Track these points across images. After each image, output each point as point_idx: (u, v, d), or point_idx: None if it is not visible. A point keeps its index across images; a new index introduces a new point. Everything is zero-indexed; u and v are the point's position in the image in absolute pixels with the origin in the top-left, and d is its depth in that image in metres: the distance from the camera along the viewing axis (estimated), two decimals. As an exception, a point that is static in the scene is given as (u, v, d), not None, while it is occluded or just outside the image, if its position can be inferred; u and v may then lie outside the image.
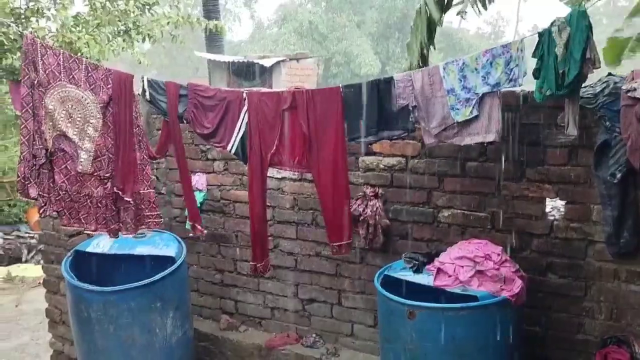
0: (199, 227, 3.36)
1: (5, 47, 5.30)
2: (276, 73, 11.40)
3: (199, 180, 3.98)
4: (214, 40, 11.19)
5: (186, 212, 3.52)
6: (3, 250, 7.35)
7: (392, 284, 2.92)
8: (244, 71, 11.75)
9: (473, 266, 2.73)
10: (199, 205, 3.92)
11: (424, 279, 2.84)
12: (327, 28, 27.32)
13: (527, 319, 2.98)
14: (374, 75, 26.60)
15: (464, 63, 2.59)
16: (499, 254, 2.79)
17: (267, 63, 11.28)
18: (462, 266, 2.74)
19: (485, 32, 35.13)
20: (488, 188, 3.09)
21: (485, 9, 3.25)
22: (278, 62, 11.41)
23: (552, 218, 2.97)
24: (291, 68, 11.68)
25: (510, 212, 3.05)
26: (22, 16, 5.35)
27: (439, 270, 2.79)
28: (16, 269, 6.87)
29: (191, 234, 3.55)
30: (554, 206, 2.97)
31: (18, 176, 2.97)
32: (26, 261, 7.28)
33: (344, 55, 26.40)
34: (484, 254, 2.76)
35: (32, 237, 7.60)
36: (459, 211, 3.18)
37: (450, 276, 2.74)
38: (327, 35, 27.17)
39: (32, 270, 6.72)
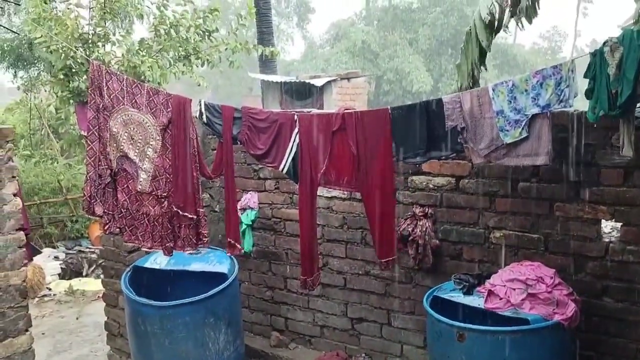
0: (238, 246, 3.43)
1: (73, 70, 5.62)
2: (327, 92, 11.53)
3: (250, 198, 4.08)
4: (267, 61, 11.47)
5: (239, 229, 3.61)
6: (65, 264, 7.67)
7: (441, 305, 2.91)
8: (296, 91, 11.95)
9: (525, 289, 2.69)
10: (250, 222, 4.04)
11: (475, 300, 2.81)
12: (379, 46, 27.43)
13: (582, 344, 2.89)
14: (426, 92, 26.45)
15: (513, 84, 2.58)
16: (551, 277, 2.73)
17: (318, 83, 11.43)
18: (514, 289, 2.70)
19: (542, 47, 34.39)
20: (541, 209, 3.04)
21: (530, 23, 3.21)
22: (329, 82, 11.55)
23: (607, 240, 2.89)
24: (342, 87, 11.79)
25: (564, 234, 2.99)
26: (90, 41, 5.67)
27: (490, 293, 2.76)
28: (77, 283, 7.14)
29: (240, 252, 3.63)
30: (611, 228, 2.89)
31: (84, 195, 3.15)
32: (87, 275, 7.56)
33: (396, 72, 26.39)
34: (536, 276, 2.72)
35: (93, 252, 7.90)
36: (511, 232, 3.14)
37: (501, 299, 2.71)
38: (379, 53, 27.27)
39: (92, 284, 6.98)
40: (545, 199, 3.02)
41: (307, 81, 11.76)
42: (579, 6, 36.57)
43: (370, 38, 27.46)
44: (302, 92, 11.83)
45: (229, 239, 3.38)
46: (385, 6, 32.79)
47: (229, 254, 3.55)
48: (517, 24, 3.10)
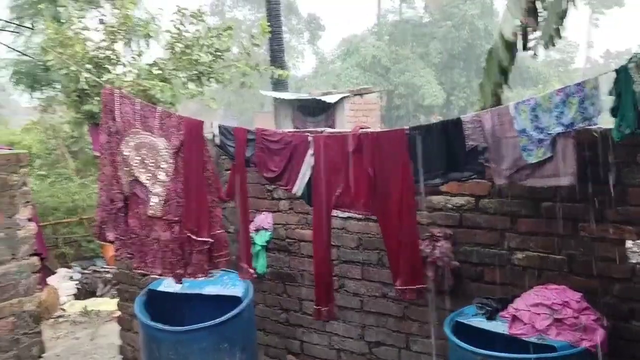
0: (249, 270, 3.36)
1: (86, 91, 5.65)
2: (339, 109, 11.51)
3: (265, 219, 4.02)
4: (278, 79, 11.49)
5: (252, 250, 3.55)
6: (80, 284, 7.67)
7: (463, 329, 2.81)
8: (308, 108, 11.95)
9: (550, 314, 2.59)
10: (264, 243, 3.98)
11: (498, 326, 2.71)
12: (390, 60, 27.49)
13: (610, 369, 2.78)
14: (439, 106, 26.42)
15: (536, 102, 2.51)
16: (578, 301, 2.63)
17: (330, 99, 11.42)
18: (539, 314, 2.61)
19: (554, 59, 34.24)
20: (565, 229, 2.94)
21: (554, 45, 3.17)
22: (341, 98, 11.53)
23: (634, 261, 2.78)
24: (354, 103, 11.76)
25: (589, 255, 2.88)
26: (100, 64, 5.70)
27: (514, 318, 2.66)
28: (92, 303, 7.13)
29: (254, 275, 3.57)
30: (638, 248, 2.79)
31: (96, 221, 3.11)
32: (102, 295, 7.55)
33: (407, 86, 26.41)
34: (562, 300, 2.62)
35: (108, 272, 7.89)
36: (534, 253, 3.04)
37: (526, 324, 2.61)
38: (390, 68, 27.33)
39: (107, 305, 6.96)
40: (569, 219, 2.93)
41: (319, 98, 11.76)
42: (590, 17, 36.45)
43: (381, 53, 27.55)
44: (314, 108, 11.83)
45: (240, 263, 3.33)
46: (396, 21, 32.95)
47: (241, 278, 3.49)
48: (546, 49, 3.05)
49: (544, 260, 3.01)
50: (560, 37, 3.12)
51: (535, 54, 3.18)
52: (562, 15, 3.26)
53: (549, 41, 3.10)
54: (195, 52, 5.74)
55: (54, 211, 9.30)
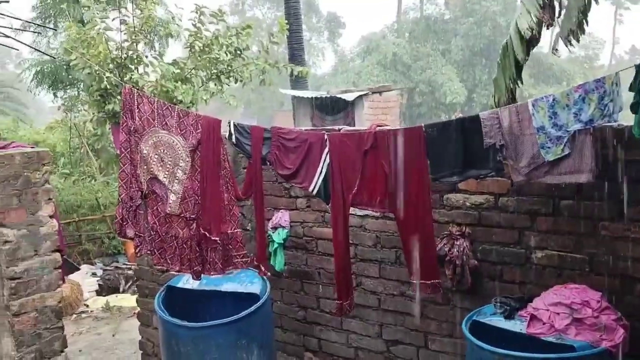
0: (263, 269, 3.39)
1: (108, 91, 5.73)
2: (358, 107, 11.48)
3: (282, 217, 4.04)
4: (298, 77, 11.50)
5: (270, 248, 3.57)
6: (103, 280, 7.79)
7: (481, 329, 2.79)
8: (327, 106, 11.95)
9: (570, 313, 2.55)
10: (282, 241, 3.99)
11: (516, 325, 2.68)
12: (411, 58, 27.32)
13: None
14: (460, 103, 26.16)
15: (554, 99, 2.47)
16: (598, 301, 2.59)
17: (349, 97, 11.40)
18: (558, 313, 2.57)
19: (579, 56, 33.66)
20: (585, 228, 2.90)
21: (578, 41, 3.11)
22: (360, 96, 11.50)
23: (657, 261, 2.73)
24: (373, 101, 11.72)
25: (610, 254, 2.84)
26: (122, 64, 5.77)
27: (533, 317, 2.63)
28: (114, 299, 7.24)
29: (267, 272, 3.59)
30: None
31: (116, 217, 3.15)
32: (123, 291, 7.66)
33: (428, 84, 26.21)
34: (582, 300, 2.58)
35: (129, 269, 8.00)
36: (553, 252, 3.00)
37: (544, 324, 2.58)
38: (411, 65, 27.15)
39: (129, 301, 7.06)
40: (589, 218, 2.88)
41: (338, 96, 11.74)
42: (616, 13, 35.77)
43: (401, 50, 27.38)
44: (333, 106, 11.82)
45: (255, 261, 3.35)
46: (416, 18, 32.72)
47: (261, 275, 3.52)
48: (566, 45, 3.01)
49: (564, 259, 2.97)
50: (582, 32, 3.07)
51: (556, 49, 3.13)
52: (584, 9, 3.21)
53: (571, 37, 3.04)
54: (214, 50, 5.76)
55: (77, 208, 9.46)
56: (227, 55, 5.91)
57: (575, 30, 3.22)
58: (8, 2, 3.12)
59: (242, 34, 6.11)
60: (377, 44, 29.18)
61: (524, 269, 3.10)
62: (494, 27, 27.03)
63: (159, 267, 3.48)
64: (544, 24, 2.99)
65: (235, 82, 6.26)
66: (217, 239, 3.14)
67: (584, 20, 3.23)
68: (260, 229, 3.34)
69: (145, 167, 3.11)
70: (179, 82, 5.62)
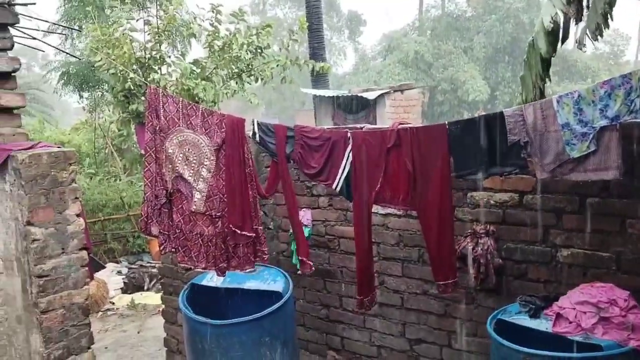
0: (308, 262, 3.42)
1: (132, 91, 5.80)
2: (380, 105, 11.44)
3: (304, 215, 4.05)
4: (319, 76, 11.51)
5: (292, 247, 3.59)
6: (127, 279, 7.91)
7: (506, 328, 2.77)
8: (349, 104, 11.94)
9: (596, 312, 2.52)
10: (305, 239, 4.01)
11: (542, 324, 2.66)
12: (433, 56, 27.12)
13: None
14: (483, 101, 25.90)
15: (579, 95, 2.44)
16: (625, 300, 2.55)
17: (370, 96, 11.37)
18: (584, 312, 2.54)
19: (604, 52, 33.03)
20: (612, 226, 2.85)
21: (602, 36, 3.06)
22: (382, 95, 11.46)
23: (687, 260, 2.67)
24: (395, 100, 11.67)
25: (638, 253, 2.79)
26: (146, 64, 5.84)
27: (558, 316, 2.60)
28: (139, 297, 7.34)
29: (299, 271, 3.62)
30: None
31: (141, 215, 3.20)
32: (148, 289, 7.76)
33: (451, 82, 26.00)
34: (609, 299, 2.54)
35: (154, 267, 8.10)
36: (579, 251, 2.96)
37: (570, 322, 2.55)
38: (433, 63, 26.96)
39: (153, 298, 7.15)
40: (616, 215, 2.84)
41: (359, 94, 11.73)
42: (643, 7, 35.00)
43: (423, 48, 27.20)
44: (354, 105, 11.81)
45: (298, 256, 3.39)
46: (438, 15, 32.46)
47: (300, 272, 3.58)
48: (592, 41, 2.96)
49: (590, 258, 2.93)
50: (607, 26, 3.01)
51: (583, 44, 3.08)
52: (610, 1, 3.15)
53: (596, 31, 2.99)
54: (234, 49, 5.79)
55: (102, 208, 9.61)
56: (247, 54, 5.93)
57: (600, 24, 3.16)
58: (35, 3, 3.18)
59: (262, 33, 6.13)
60: (398, 42, 29.03)
61: (549, 267, 3.07)
62: (517, 24, 26.70)
63: (183, 265, 3.52)
64: (571, 19, 2.95)
65: (256, 81, 6.28)
66: (252, 234, 3.18)
67: (610, 15, 3.18)
68: (298, 225, 3.38)
69: (170, 165, 3.15)
70: (200, 80, 5.66)
